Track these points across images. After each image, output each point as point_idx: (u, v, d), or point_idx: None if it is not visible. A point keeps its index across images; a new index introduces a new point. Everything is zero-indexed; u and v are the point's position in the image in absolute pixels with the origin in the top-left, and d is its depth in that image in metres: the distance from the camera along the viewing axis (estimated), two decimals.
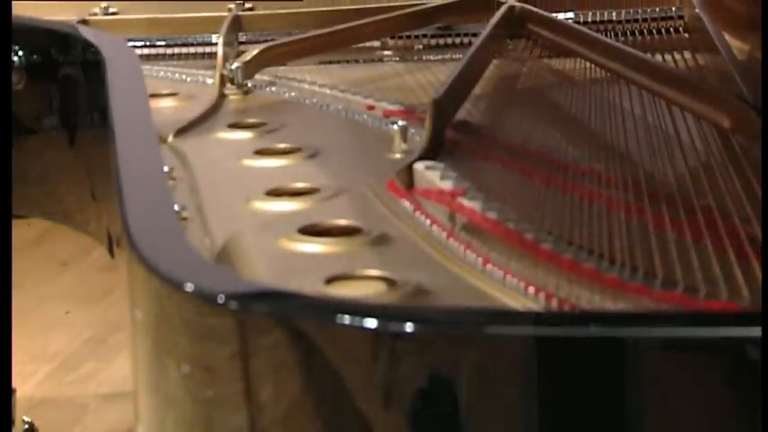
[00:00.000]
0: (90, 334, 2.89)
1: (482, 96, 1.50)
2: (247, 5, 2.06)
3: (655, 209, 1.01)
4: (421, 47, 1.97)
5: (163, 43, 1.96)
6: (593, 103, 1.46)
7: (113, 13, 2.07)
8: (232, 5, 2.05)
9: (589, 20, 1.90)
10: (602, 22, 1.90)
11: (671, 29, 1.86)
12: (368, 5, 2.00)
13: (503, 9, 1.74)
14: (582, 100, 1.49)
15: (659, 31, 1.85)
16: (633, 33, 1.86)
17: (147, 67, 1.77)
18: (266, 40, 1.82)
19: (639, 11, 1.90)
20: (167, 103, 1.63)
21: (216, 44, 1.80)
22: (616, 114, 1.39)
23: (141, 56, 1.90)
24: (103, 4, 2.07)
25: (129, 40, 1.91)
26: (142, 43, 1.95)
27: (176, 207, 0.96)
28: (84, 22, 1.95)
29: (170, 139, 1.38)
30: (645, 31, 1.86)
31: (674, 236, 0.94)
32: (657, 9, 1.90)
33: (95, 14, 2.05)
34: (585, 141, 1.32)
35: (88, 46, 1.50)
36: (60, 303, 3.11)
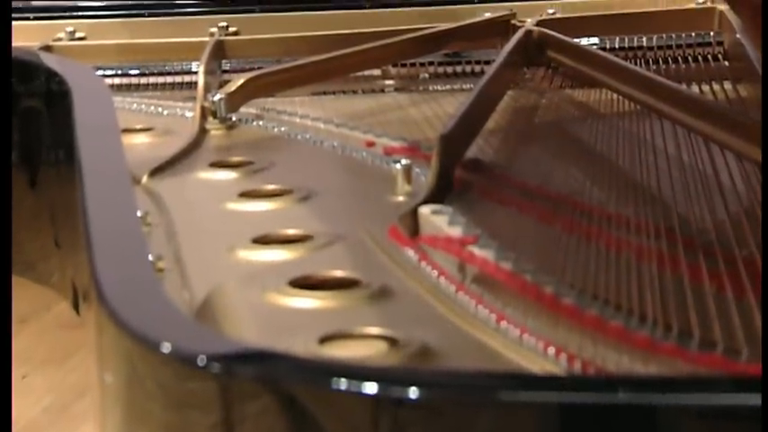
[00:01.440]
0: (50, 400, 2.88)
1: (495, 131, 1.51)
2: (232, 29, 2.08)
3: (691, 260, 1.01)
4: (427, 76, 1.98)
5: (136, 72, 1.98)
6: (621, 140, 1.47)
7: (80, 38, 2.08)
8: (214, 29, 2.07)
9: (616, 46, 1.92)
10: (630, 48, 1.92)
11: (708, 56, 1.88)
12: (368, 29, 2.01)
13: (519, 33, 1.75)
14: (608, 136, 1.50)
15: (695, 59, 1.87)
16: (666, 61, 1.87)
17: (118, 99, 1.79)
18: (253, 69, 1.84)
19: (673, 36, 1.91)
20: (141, 138, 1.64)
21: (196, 73, 1.82)
22: (647, 152, 1.39)
23: (112, 86, 1.92)
24: (69, 28, 2.08)
25: (99, 69, 1.93)
26: (113, 72, 1.97)
27: (151, 256, 0.97)
28: (47, 48, 1.96)
29: (144, 179, 1.39)
30: (679, 58, 1.88)
31: (712, 290, 0.95)
32: (693, 34, 1.91)
33: (60, 39, 2.06)
34: (612, 182, 1.32)
35: (52, 75, 1.51)
36: (17, 366, 3.10)
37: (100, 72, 1.93)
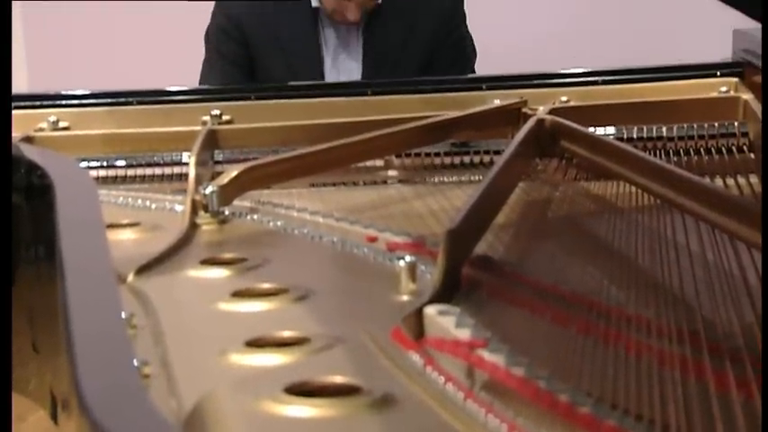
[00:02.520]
0: None
1: (506, 226, 1.51)
2: (225, 118, 2.10)
3: (717, 366, 1.01)
4: (433, 166, 2.00)
5: (123, 163, 1.99)
6: (641, 236, 1.47)
7: (64, 128, 2.11)
8: (207, 118, 2.09)
9: (634, 136, 1.94)
10: (649, 138, 1.94)
11: (733, 147, 1.90)
12: (370, 117, 2.03)
13: (530, 122, 1.77)
14: (627, 231, 1.50)
15: (719, 151, 1.89)
16: (687, 152, 1.89)
17: (104, 192, 1.80)
18: (248, 159, 1.85)
19: (695, 126, 1.94)
20: (128, 234, 1.65)
21: (187, 164, 1.83)
22: (668, 249, 1.40)
23: (97, 179, 1.94)
24: (52, 118, 2.10)
25: (83, 160, 1.95)
26: (98, 164, 1.99)
27: (137, 362, 0.97)
28: (28, 139, 1.99)
29: (130, 278, 1.39)
30: (701, 149, 1.90)
31: (740, 399, 0.95)
32: (716, 124, 1.93)
33: (42, 130, 2.09)
34: (631, 282, 1.33)
35: (33, 168, 1.52)
36: None
37: (84, 164, 1.95)
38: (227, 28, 2.66)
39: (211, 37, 2.71)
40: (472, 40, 2.77)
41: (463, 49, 2.74)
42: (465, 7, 2.73)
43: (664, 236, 1.45)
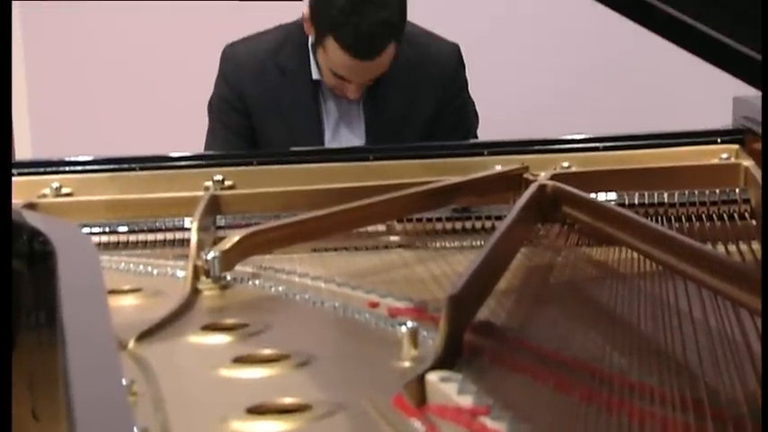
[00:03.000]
0: None
1: (508, 292, 1.51)
2: (227, 183, 2.11)
3: None
4: (435, 232, 2.00)
5: (125, 229, 1.99)
6: (643, 302, 1.47)
7: (67, 194, 2.11)
8: (209, 183, 2.10)
9: (635, 202, 1.94)
10: (650, 204, 1.93)
11: (734, 214, 1.89)
12: (372, 183, 2.04)
13: (532, 188, 1.77)
14: (629, 297, 1.50)
15: (720, 217, 1.89)
16: (689, 219, 1.89)
17: (105, 258, 1.81)
18: (250, 225, 1.86)
19: (696, 192, 1.93)
20: (129, 300, 1.65)
21: (189, 230, 1.83)
22: (671, 316, 1.39)
23: (99, 244, 1.94)
24: (55, 184, 2.11)
25: (85, 226, 1.95)
26: (100, 230, 1.99)
27: (137, 429, 0.97)
28: (31, 206, 1.98)
29: (131, 344, 1.39)
30: (703, 216, 1.90)
31: None
32: (717, 191, 1.93)
33: (45, 196, 2.09)
34: (634, 348, 1.32)
35: (35, 235, 1.53)
36: None
37: (86, 230, 1.95)
38: (230, 98, 2.67)
39: (214, 107, 2.72)
40: (474, 105, 2.78)
41: (465, 116, 2.75)
42: (467, 73, 2.74)
43: (666, 302, 1.45)
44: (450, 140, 2.59)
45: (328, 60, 2.49)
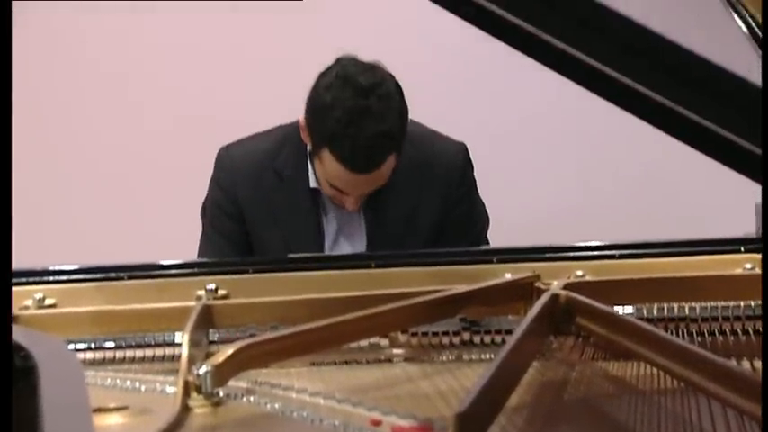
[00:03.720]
0: None
1: (520, 409, 1.51)
2: (221, 292, 2.11)
3: None
4: (441, 344, 1.99)
5: (112, 345, 1.98)
6: (663, 420, 1.47)
7: (51, 306, 2.10)
8: (201, 292, 2.09)
9: (654, 315, 1.93)
10: (671, 318, 1.92)
11: (760, 329, 1.88)
12: (374, 291, 2.04)
13: (544, 298, 1.77)
14: (648, 416, 1.50)
15: (745, 332, 1.88)
16: (711, 333, 1.88)
17: (90, 374, 1.79)
18: (243, 338, 1.84)
19: (719, 305, 1.92)
20: (115, 419, 1.63)
21: (180, 345, 1.83)
22: None
23: (84, 360, 1.92)
24: (38, 295, 2.11)
25: (70, 342, 1.93)
26: (86, 346, 1.97)
27: None
28: (12, 318, 1.97)
29: None
30: (726, 330, 1.89)
31: None
32: (742, 304, 1.92)
33: (27, 308, 2.08)
34: None
35: (17, 349, 1.52)
36: None
37: (71, 345, 1.94)
38: (223, 203, 2.67)
39: (207, 211, 2.73)
40: (484, 205, 2.78)
41: (474, 219, 2.74)
42: (474, 173, 2.74)
43: (688, 421, 1.44)
44: (459, 246, 2.59)
45: (325, 171, 2.50)
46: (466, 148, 2.73)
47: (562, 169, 3.89)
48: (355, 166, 2.44)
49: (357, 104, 2.41)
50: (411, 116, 2.67)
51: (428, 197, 2.66)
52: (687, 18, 1.48)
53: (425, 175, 2.67)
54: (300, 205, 2.64)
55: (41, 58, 3.83)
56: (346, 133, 2.41)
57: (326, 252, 2.66)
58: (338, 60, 2.52)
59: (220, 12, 3.76)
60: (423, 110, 2.66)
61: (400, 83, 2.51)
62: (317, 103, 2.47)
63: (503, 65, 3.34)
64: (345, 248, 2.67)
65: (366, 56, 2.52)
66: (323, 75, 2.50)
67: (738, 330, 1.88)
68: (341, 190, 2.53)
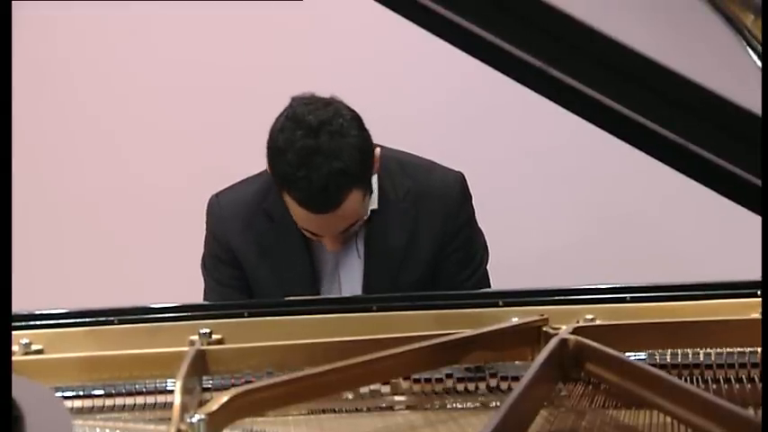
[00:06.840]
0: None
1: None
2: (215, 337, 2.10)
3: None
4: (445, 391, 1.98)
5: (101, 392, 1.97)
6: None
7: (37, 351, 2.09)
8: (195, 337, 2.09)
9: (668, 361, 1.92)
10: (685, 365, 1.91)
11: None
12: (375, 336, 2.03)
13: (552, 343, 1.77)
14: None
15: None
16: (728, 381, 1.87)
17: (79, 422, 1.79)
18: (238, 384, 1.84)
19: (735, 350, 1.91)
20: None
21: (172, 392, 1.82)
22: None
23: (72, 409, 1.92)
24: (24, 340, 2.09)
25: (58, 390, 1.93)
26: (74, 393, 1.96)
27: None
28: None
29: None
30: (744, 378, 1.88)
31: None
32: (759, 349, 1.90)
33: (13, 354, 2.06)
34: None
35: None
36: None
37: (59, 393, 1.93)
38: (219, 252, 2.70)
39: (207, 264, 2.75)
40: (483, 236, 2.78)
41: (472, 251, 2.74)
42: (473, 203, 2.74)
43: None
44: (457, 278, 2.59)
45: (294, 215, 2.52)
46: (464, 178, 2.74)
47: (572, 208, 3.88)
48: (314, 207, 2.45)
49: (306, 144, 2.42)
50: (411, 150, 2.68)
51: (426, 227, 2.67)
52: (705, 56, 1.48)
53: (423, 206, 2.68)
54: (293, 246, 2.65)
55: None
56: (299, 175, 2.42)
57: (325, 289, 2.66)
58: (291, 100, 2.53)
59: (224, 18, 3.75)
60: (421, 145, 2.66)
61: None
62: (272, 147, 2.49)
63: (510, 99, 3.34)
64: (345, 284, 2.68)
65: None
66: (277, 117, 2.52)
67: (756, 378, 1.87)
68: (313, 232, 2.54)
